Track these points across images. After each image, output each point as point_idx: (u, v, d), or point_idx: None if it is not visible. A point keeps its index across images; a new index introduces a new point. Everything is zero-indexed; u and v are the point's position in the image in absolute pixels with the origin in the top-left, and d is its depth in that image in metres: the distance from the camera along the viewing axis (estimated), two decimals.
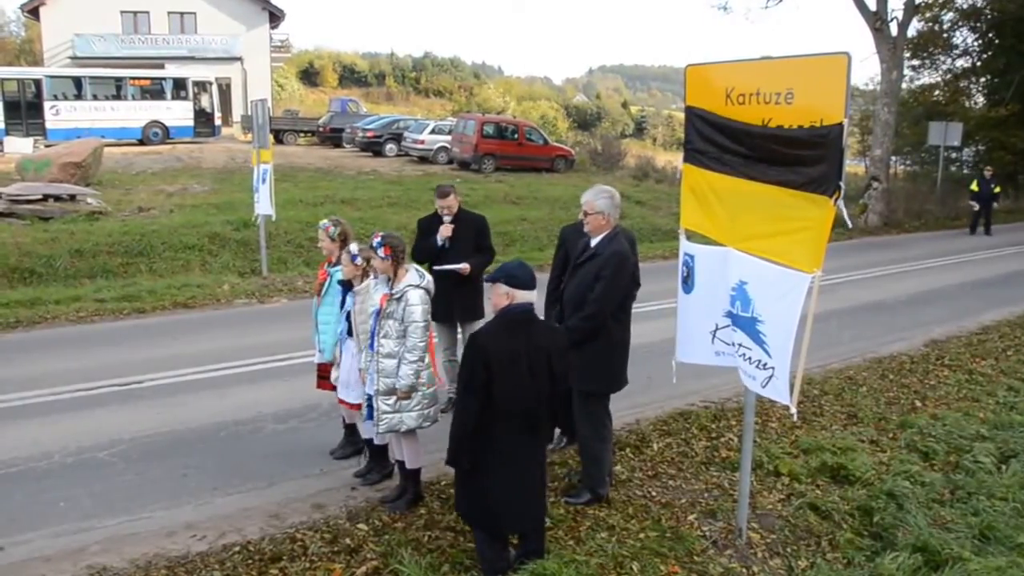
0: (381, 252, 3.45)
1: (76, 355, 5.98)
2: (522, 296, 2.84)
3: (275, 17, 29.99)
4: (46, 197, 10.96)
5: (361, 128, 22.45)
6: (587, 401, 3.67)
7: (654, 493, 3.89)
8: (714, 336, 3.28)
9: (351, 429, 4.28)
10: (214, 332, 6.77)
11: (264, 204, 8.73)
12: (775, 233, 2.85)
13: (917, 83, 22.85)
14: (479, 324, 4.29)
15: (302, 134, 25.47)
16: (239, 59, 28.00)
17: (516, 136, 19.78)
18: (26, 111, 20.91)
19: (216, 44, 27.84)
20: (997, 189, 15.52)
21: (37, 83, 21.23)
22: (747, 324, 3.01)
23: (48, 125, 20.97)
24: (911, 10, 16.18)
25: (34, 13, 27.15)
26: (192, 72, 23.65)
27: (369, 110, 31.76)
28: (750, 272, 2.97)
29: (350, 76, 50.23)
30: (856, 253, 11.96)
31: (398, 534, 3.41)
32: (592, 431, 3.71)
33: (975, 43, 21.88)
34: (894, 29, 15.72)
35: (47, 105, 21.09)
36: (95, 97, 21.97)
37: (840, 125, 2.59)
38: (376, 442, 3.97)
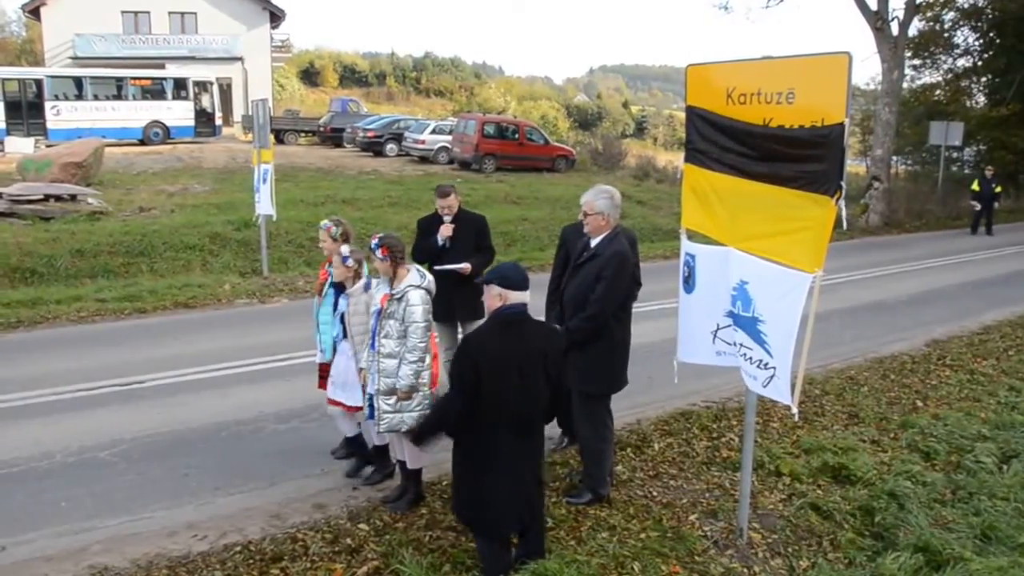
0: (379, 253, 3.46)
1: (77, 355, 5.98)
2: (516, 297, 2.82)
3: (276, 17, 30.01)
4: (47, 197, 10.97)
5: (362, 128, 22.46)
6: (588, 401, 3.67)
7: (655, 493, 3.89)
8: (715, 336, 3.28)
9: None
10: (215, 332, 6.77)
11: (265, 204, 8.74)
12: (776, 233, 2.85)
13: (918, 83, 22.88)
14: (480, 324, 4.29)
15: (303, 134, 25.49)
16: (240, 59, 28.01)
17: (517, 136, 19.78)
18: (27, 111, 20.93)
19: (217, 44, 27.85)
20: (998, 189, 15.50)
21: (38, 83, 21.26)
22: (748, 324, 3.00)
23: (49, 125, 20.98)
24: (912, 9, 16.16)
25: (35, 13, 27.18)
26: (193, 72, 23.67)
27: (370, 110, 31.77)
28: (751, 272, 2.96)
29: (351, 76, 50.26)
30: (857, 253, 11.95)
31: (399, 534, 3.42)
32: (593, 431, 3.71)
33: (976, 43, 21.88)
34: (895, 28, 15.70)
35: (48, 105, 21.11)
36: (96, 97, 21.99)
37: (841, 125, 2.59)
38: (376, 442, 3.97)
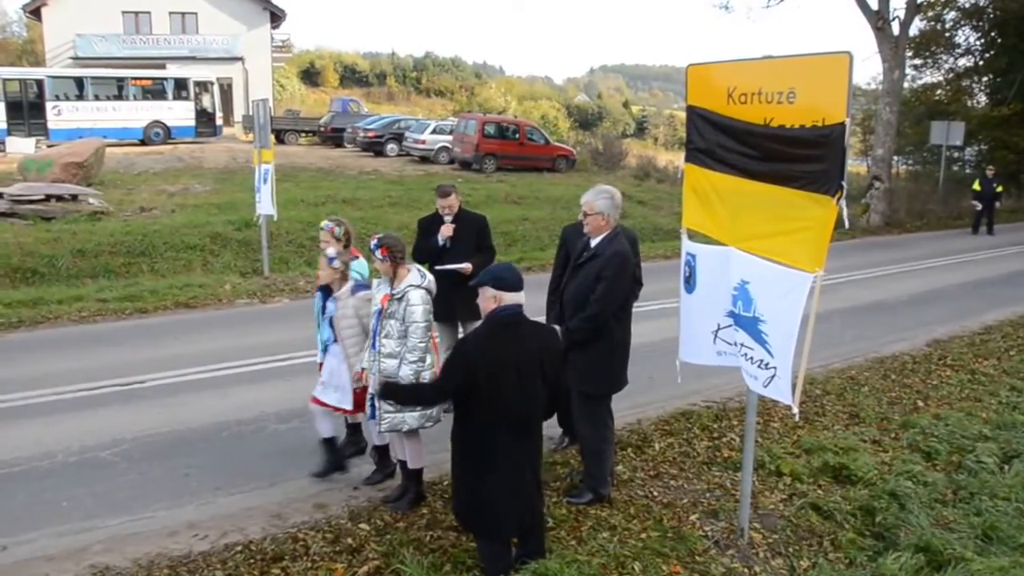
0: (378, 254, 3.46)
1: (78, 355, 5.99)
2: (510, 298, 2.81)
3: (276, 17, 30.02)
4: (48, 197, 10.98)
5: (362, 128, 22.47)
6: (588, 401, 3.67)
7: (656, 493, 3.88)
8: (716, 336, 3.27)
9: (354, 429, 4.28)
10: (216, 332, 6.77)
11: (266, 204, 8.74)
12: (777, 233, 2.85)
13: (919, 82, 22.85)
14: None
15: (303, 134, 25.50)
16: (240, 59, 28.03)
17: (517, 136, 19.78)
18: (28, 111, 20.96)
19: (217, 44, 27.87)
20: (999, 189, 15.47)
21: (39, 83, 21.28)
22: (749, 324, 3.00)
23: (50, 125, 21.01)
24: (913, 9, 16.14)
25: (36, 14, 27.20)
26: (193, 72, 23.68)
27: (370, 110, 31.77)
28: (752, 272, 2.96)
29: (351, 76, 50.27)
30: (858, 253, 11.94)
31: (400, 534, 3.42)
32: (594, 431, 3.71)
33: (977, 42, 21.86)
34: (896, 28, 15.69)
35: (49, 105, 21.14)
36: (97, 97, 22.01)
37: (842, 124, 2.59)
38: (376, 442, 3.97)
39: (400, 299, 3.46)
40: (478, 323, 4.11)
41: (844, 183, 2.60)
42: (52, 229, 9.91)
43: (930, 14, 20.48)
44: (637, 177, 20.01)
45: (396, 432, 3.59)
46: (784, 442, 4.57)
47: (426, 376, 3.51)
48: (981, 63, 22.08)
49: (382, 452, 3.99)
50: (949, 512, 3.76)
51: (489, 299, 2.83)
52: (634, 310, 3.79)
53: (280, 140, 23.04)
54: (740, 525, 3.45)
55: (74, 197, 11.30)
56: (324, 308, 3.88)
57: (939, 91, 22.45)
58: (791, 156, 2.77)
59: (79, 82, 22.02)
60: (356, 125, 23.12)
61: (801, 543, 3.46)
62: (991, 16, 20.52)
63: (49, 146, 18.32)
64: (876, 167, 16.66)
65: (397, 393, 3.15)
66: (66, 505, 3.74)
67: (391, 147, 21.50)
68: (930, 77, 22.81)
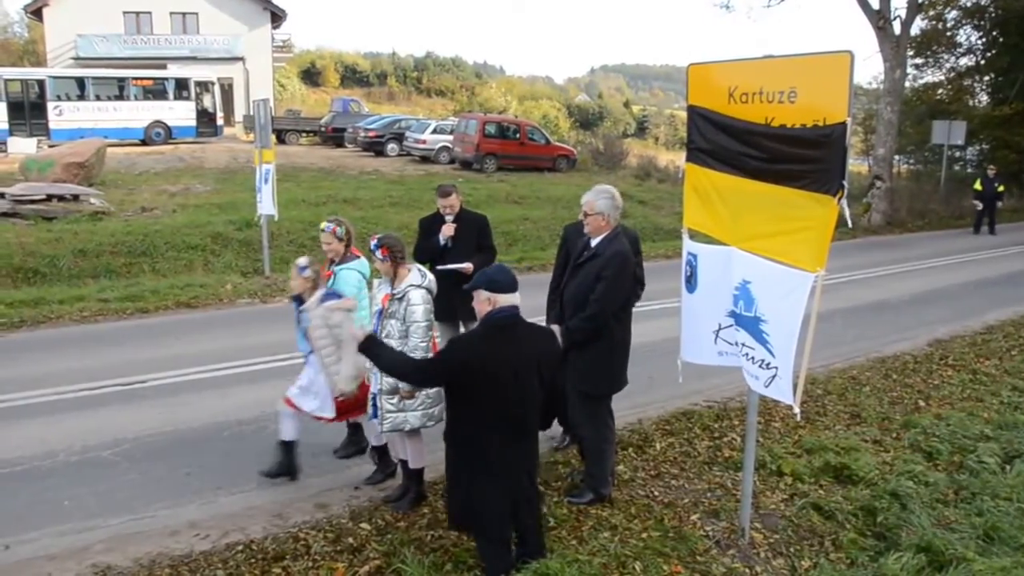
0: (379, 254, 3.45)
1: (80, 355, 6.00)
2: (505, 300, 2.80)
3: (277, 17, 30.03)
4: (50, 197, 10.99)
5: (363, 128, 22.48)
6: (588, 401, 3.66)
7: (657, 493, 3.88)
8: (717, 336, 3.27)
9: (355, 428, 4.28)
10: (217, 332, 6.78)
11: (267, 204, 8.75)
12: (778, 232, 2.85)
13: (920, 82, 22.80)
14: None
15: (304, 134, 25.51)
16: (241, 59, 28.04)
17: (518, 136, 19.77)
18: (30, 111, 20.98)
19: (218, 44, 27.88)
20: (1001, 188, 15.45)
21: (40, 84, 21.31)
22: (750, 324, 3.00)
23: (51, 125, 21.03)
24: (914, 8, 16.11)
25: (37, 14, 27.23)
26: (194, 72, 23.70)
27: (371, 110, 31.79)
28: (753, 271, 2.96)
29: (352, 76, 50.31)
30: (859, 252, 11.93)
31: (401, 533, 3.42)
32: (595, 431, 3.70)
33: (979, 41, 21.81)
34: (897, 27, 15.67)
35: (50, 105, 21.17)
36: (98, 97, 22.03)
37: (843, 124, 2.59)
38: (374, 442, 3.97)
39: (401, 299, 3.46)
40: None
41: (845, 182, 2.60)
42: (53, 229, 9.92)
43: (931, 13, 20.44)
44: (638, 177, 20.00)
45: (398, 432, 3.59)
46: (785, 442, 4.57)
47: None
48: (983, 62, 22.03)
49: (382, 452, 3.99)
50: (951, 512, 3.75)
51: (484, 302, 2.82)
52: (635, 310, 3.79)
53: (281, 140, 23.06)
54: (741, 525, 3.45)
55: (75, 197, 11.31)
56: (298, 319, 3.83)
57: (940, 90, 22.41)
58: (792, 156, 2.77)
59: (80, 82, 22.04)
60: (357, 125, 23.13)
61: (802, 543, 3.46)
62: (992, 15, 20.49)
63: (50, 146, 18.35)
64: (877, 166, 16.64)
65: (379, 355, 2.97)
66: (68, 504, 3.74)
67: (392, 147, 21.50)
68: (931, 76, 22.81)
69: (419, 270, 3.58)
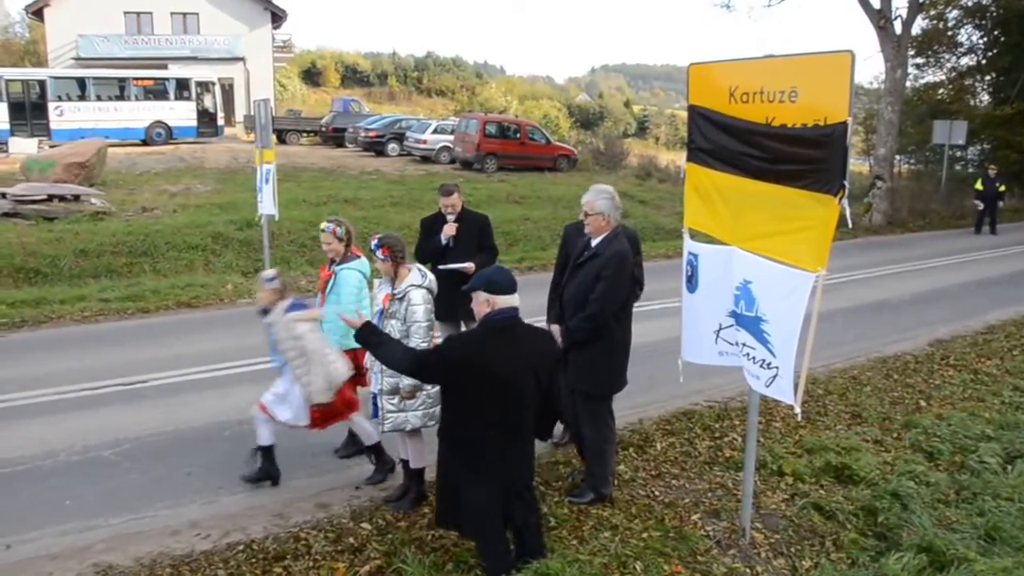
0: (380, 254, 3.45)
1: (81, 355, 6.00)
2: (503, 301, 2.80)
3: (277, 17, 30.05)
4: (51, 197, 11.00)
5: (363, 128, 22.48)
6: (589, 402, 3.66)
7: (657, 493, 3.88)
8: (718, 336, 3.27)
9: None
10: (217, 332, 6.78)
11: (267, 204, 8.71)
12: (779, 232, 2.85)
13: (921, 81, 22.77)
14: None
15: (305, 134, 25.52)
16: (242, 59, 28.05)
17: (518, 135, 19.77)
18: (31, 112, 21.01)
19: (219, 44, 27.90)
20: (1002, 188, 15.44)
21: (41, 84, 21.33)
22: (751, 323, 3.00)
23: (52, 126, 21.06)
24: (915, 7, 16.10)
25: (38, 14, 27.26)
26: (195, 72, 23.71)
27: (371, 110, 31.80)
28: (754, 271, 2.96)
29: (352, 76, 50.36)
30: (860, 252, 11.92)
31: (401, 533, 3.42)
32: (595, 431, 3.70)
33: (980, 41, 21.78)
34: (898, 27, 15.65)
35: (51, 106, 21.19)
36: (99, 98, 22.06)
37: (844, 124, 2.59)
38: (366, 443, 3.97)
39: (401, 299, 3.46)
40: None
41: (846, 182, 2.60)
42: (55, 229, 9.93)
43: (932, 12, 20.42)
44: (639, 177, 19.99)
45: (399, 432, 3.59)
46: (786, 442, 4.57)
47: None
48: (984, 62, 22.00)
49: (378, 450, 3.99)
50: (952, 512, 3.74)
51: (482, 303, 2.81)
52: (636, 310, 3.79)
53: (282, 140, 23.09)
54: (742, 525, 3.45)
55: (76, 197, 11.32)
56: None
57: (941, 90, 22.37)
58: (793, 155, 2.77)
59: (81, 82, 22.06)
60: (357, 125, 23.13)
61: (803, 543, 3.46)
62: (994, 14, 20.46)
63: (51, 146, 18.37)
64: (878, 166, 16.63)
65: (378, 343, 2.95)
66: (69, 504, 3.74)
67: (392, 147, 21.51)
68: (932, 76, 22.77)
69: (419, 270, 3.58)
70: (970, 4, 20.73)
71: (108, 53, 26.30)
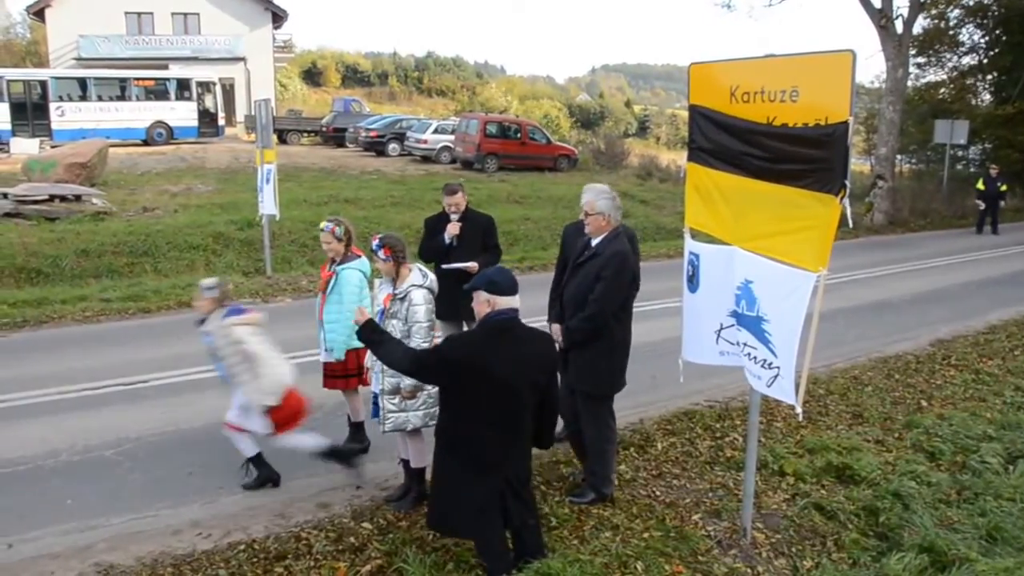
0: (381, 254, 3.46)
1: (82, 355, 6.01)
2: (504, 302, 2.80)
3: (278, 17, 30.07)
4: (52, 197, 11.02)
5: (364, 128, 22.49)
6: (590, 402, 3.66)
7: (658, 493, 3.88)
8: (719, 336, 3.27)
9: (357, 428, 4.29)
10: None
11: (268, 204, 8.76)
12: (780, 232, 2.84)
13: (923, 81, 22.71)
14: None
15: (305, 134, 25.54)
16: (242, 59, 28.08)
17: (519, 135, 19.78)
18: (32, 112, 21.05)
19: (219, 44, 27.93)
20: (1004, 188, 15.42)
21: (43, 84, 21.37)
22: (752, 323, 3.00)
23: (54, 126, 21.10)
24: (916, 7, 16.08)
25: (39, 15, 27.30)
26: (196, 72, 23.74)
27: (372, 110, 31.81)
28: (755, 271, 2.96)
29: (353, 76, 50.38)
30: (861, 252, 11.91)
31: (402, 533, 3.42)
32: (596, 431, 3.70)
33: (982, 40, 21.73)
34: (899, 26, 15.63)
35: (53, 106, 21.23)
36: (100, 98, 22.09)
37: (845, 123, 2.58)
38: (353, 418, 4.12)
39: (403, 299, 3.46)
40: None
41: (847, 182, 2.59)
42: (56, 229, 9.94)
43: (934, 12, 20.39)
44: (639, 176, 19.98)
45: (400, 432, 3.60)
46: (787, 442, 4.56)
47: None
48: (985, 61, 21.96)
49: (357, 426, 4.14)
50: (953, 512, 3.74)
51: (483, 303, 2.81)
52: (636, 310, 3.79)
53: (282, 140, 23.11)
54: (743, 525, 3.45)
55: (78, 197, 11.34)
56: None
57: (943, 89, 22.33)
58: (794, 155, 2.76)
59: (82, 83, 22.10)
60: (358, 125, 23.15)
61: (804, 543, 3.45)
62: (995, 13, 20.41)
63: (53, 147, 18.39)
64: (880, 166, 16.61)
65: (380, 341, 2.96)
66: (71, 504, 3.75)
67: (393, 147, 21.52)
68: (934, 75, 22.72)
69: (420, 270, 3.58)
70: (971, 3, 20.69)
71: (109, 53, 26.34)
